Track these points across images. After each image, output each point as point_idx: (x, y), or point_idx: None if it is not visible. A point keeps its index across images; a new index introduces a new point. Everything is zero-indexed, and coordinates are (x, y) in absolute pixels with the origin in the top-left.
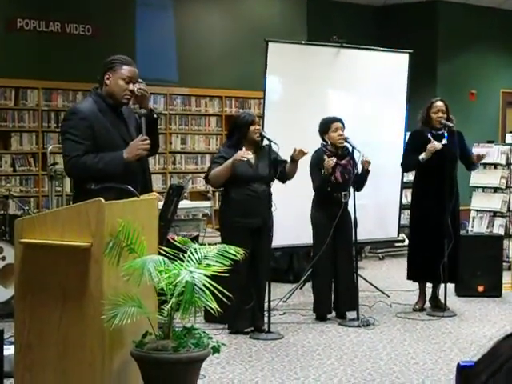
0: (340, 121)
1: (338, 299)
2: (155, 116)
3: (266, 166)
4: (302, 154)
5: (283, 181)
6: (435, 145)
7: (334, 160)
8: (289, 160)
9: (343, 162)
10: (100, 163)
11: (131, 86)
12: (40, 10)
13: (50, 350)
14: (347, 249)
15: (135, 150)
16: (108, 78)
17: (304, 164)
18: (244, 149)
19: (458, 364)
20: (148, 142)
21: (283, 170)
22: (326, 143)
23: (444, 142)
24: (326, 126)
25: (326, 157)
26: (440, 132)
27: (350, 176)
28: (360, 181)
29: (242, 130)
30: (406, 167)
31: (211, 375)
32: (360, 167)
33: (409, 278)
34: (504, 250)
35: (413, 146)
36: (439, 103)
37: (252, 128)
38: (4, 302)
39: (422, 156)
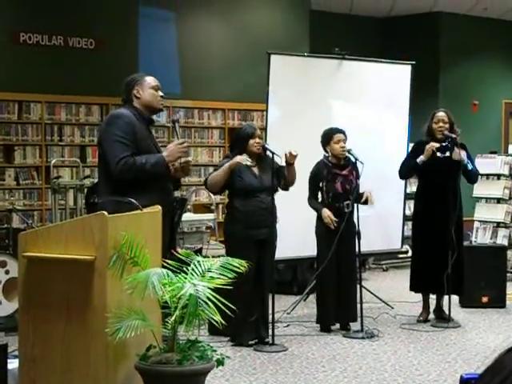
0: (342, 132)
1: (341, 311)
2: (177, 187)
3: (270, 177)
4: (293, 156)
5: (286, 188)
6: (433, 144)
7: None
8: (285, 165)
9: (344, 172)
10: (147, 164)
11: (160, 93)
12: (43, 24)
13: (54, 364)
14: (350, 260)
15: (176, 152)
16: (138, 92)
17: (307, 176)
18: (244, 155)
19: (461, 376)
20: (186, 145)
21: (284, 177)
22: (328, 154)
23: (447, 154)
24: (328, 137)
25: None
26: (444, 144)
27: (351, 186)
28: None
29: (242, 143)
30: (402, 172)
31: None
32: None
33: (412, 289)
34: (508, 261)
35: (414, 154)
36: (440, 113)
37: (251, 141)
38: (8, 315)
39: (421, 158)
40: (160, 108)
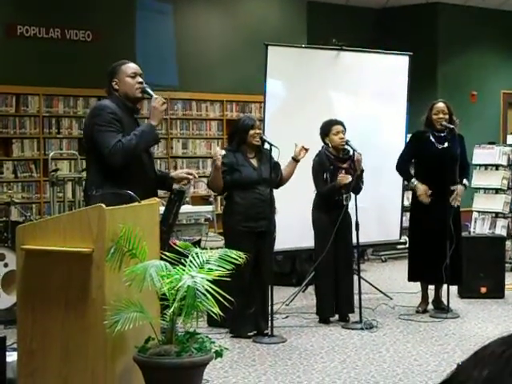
0: (341, 123)
1: (339, 302)
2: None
3: (268, 168)
4: (304, 151)
5: (277, 186)
6: (425, 193)
7: (349, 178)
8: (290, 159)
9: (345, 165)
10: (133, 139)
11: (139, 79)
12: (40, 17)
13: (53, 356)
14: (348, 251)
15: (156, 111)
16: (116, 84)
17: (305, 167)
18: (218, 148)
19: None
20: (160, 97)
21: (278, 173)
22: (328, 146)
23: (446, 144)
24: (327, 128)
25: (340, 174)
26: (442, 134)
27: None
28: (356, 181)
29: (241, 135)
30: (398, 169)
31: (214, 380)
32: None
33: (410, 279)
34: (506, 251)
35: (412, 147)
36: (440, 104)
37: (251, 132)
38: (7, 308)
39: (415, 183)
40: (138, 97)
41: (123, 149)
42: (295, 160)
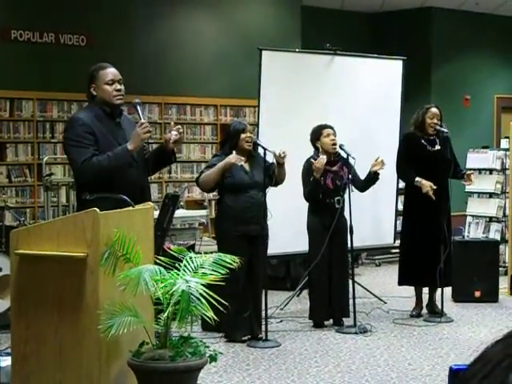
0: (331, 127)
1: (333, 306)
2: (173, 160)
3: (261, 172)
4: (283, 156)
5: (276, 185)
6: (429, 187)
7: (324, 157)
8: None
9: (334, 168)
10: (104, 161)
11: (118, 86)
12: (34, 21)
13: (47, 361)
14: (342, 256)
15: (137, 137)
16: (94, 89)
17: (299, 171)
18: (234, 153)
19: (451, 367)
20: (146, 125)
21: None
22: (318, 150)
23: (437, 147)
24: (317, 132)
25: (313, 160)
26: (432, 138)
27: (341, 182)
28: (367, 183)
29: (233, 139)
30: (399, 176)
31: None
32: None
33: (400, 283)
34: (500, 255)
35: (406, 151)
36: (436, 110)
37: (243, 136)
38: (1, 313)
39: (419, 181)
40: (116, 104)
41: (92, 167)
42: (279, 165)
